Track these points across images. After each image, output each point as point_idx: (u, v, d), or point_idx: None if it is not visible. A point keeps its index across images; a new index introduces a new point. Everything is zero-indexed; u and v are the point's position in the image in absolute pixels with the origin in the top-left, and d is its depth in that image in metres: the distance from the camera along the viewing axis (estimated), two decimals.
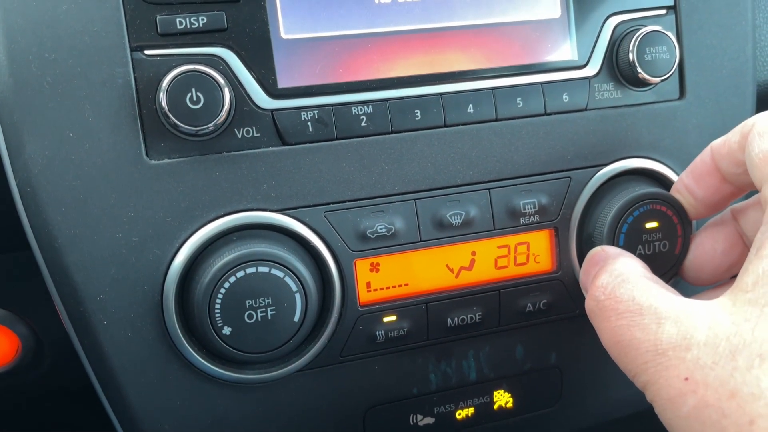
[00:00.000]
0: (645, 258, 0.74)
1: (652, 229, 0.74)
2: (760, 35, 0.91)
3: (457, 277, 0.73)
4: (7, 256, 0.84)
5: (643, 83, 0.75)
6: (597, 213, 0.75)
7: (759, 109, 0.83)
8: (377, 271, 0.70)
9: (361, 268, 0.69)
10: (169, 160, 0.64)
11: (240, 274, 0.63)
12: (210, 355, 0.67)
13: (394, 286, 0.71)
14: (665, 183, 0.78)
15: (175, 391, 0.67)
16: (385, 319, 0.71)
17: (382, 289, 0.70)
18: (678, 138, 0.78)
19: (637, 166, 0.76)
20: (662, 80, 0.74)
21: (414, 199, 0.70)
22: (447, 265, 0.72)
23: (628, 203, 0.73)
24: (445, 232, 0.71)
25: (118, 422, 0.69)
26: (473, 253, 0.73)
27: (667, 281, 0.77)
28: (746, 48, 0.80)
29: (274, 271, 0.64)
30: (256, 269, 0.63)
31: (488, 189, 0.72)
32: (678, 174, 0.78)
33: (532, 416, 0.80)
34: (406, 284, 0.71)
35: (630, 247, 0.73)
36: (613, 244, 0.73)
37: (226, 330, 0.63)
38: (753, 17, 0.81)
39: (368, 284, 0.70)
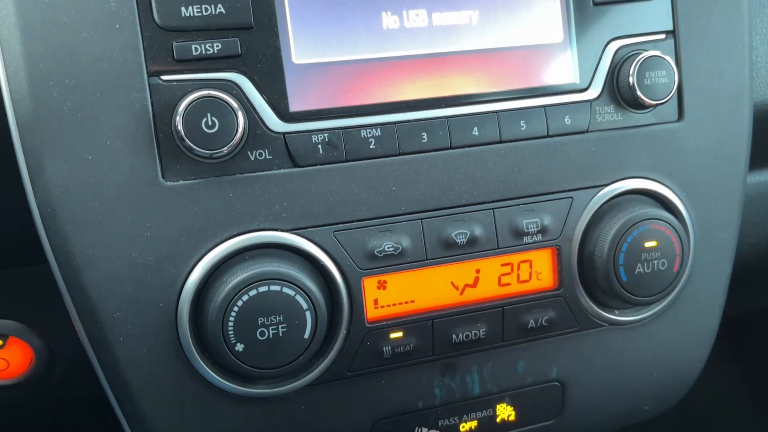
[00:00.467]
0: (644, 276, 0.76)
1: (651, 248, 0.76)
2: (757, 57, 0.93)
3: (461, 294, 0.75)
4: (21, 270, 0.86)
5: (642, 106, 0.77)
6: (598, 232, 0.77)
7: (756, 129, 0.85)
8: (384, 288, 0.72)
9: (369, 285, 0.71)
10: (185, 182, 0.66)
11: (252, 292, 0.65)
12: (222, 371, 0.69)
13: (400, 303, 0.73)
14: (665, 203, 0.80)
15: (189, 405, 0.69)
16: (392, 336, 0.73)
17: (389, 306, 0.73)
18: (677, 159, 0.80)
19: (637, 186, 0.79)
20: (661, 103, 0.76)
21: (420, 219, 0.72)
22: (452, 283, 0.74)
23: (627, 223, 0.75)
24: (451, 251, 0.73)
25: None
26: (477, 271, 0.75)
27: (665, 298, 0.80)
28: (743, 71, 0.82)
29: (286, 290, 0.66)
30: (268, 288, 0.66)
31: (492, 209, 0.74)
32: (677, 194, 0.80)
33: (533, 429, 0.82)
34: (413, 301, 0.73)
35: (629, 265, 0.76)
36: (613, 263, 0.75)
37: (239, 347, 0.65)
38: (750, 40, 0.83)
39: (375, 301, 0.72)
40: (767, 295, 1.47)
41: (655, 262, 0.77)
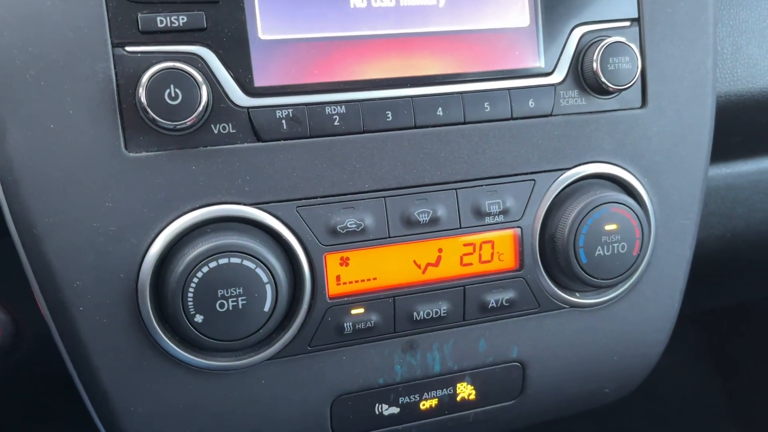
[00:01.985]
0: (604, 258, 0.78)
1: (611, 231, 0.78)
2: (722, 48, 0.94)
3: (423, 272, 0.76)
4: None
5: (606, 91, 0.78)
6: (559, 215, 0.78)
7: (720, 121, 0.87)
8: (347, 265, 0.73)
9: (331, 261, 0.72)
10: (148, 154, 0.66)
11: (213, 264, 0.66)
12: (183, 343, 0.69)
13: (362, 280, 0.74)
14: (627, 188, 0.81)
15: (148, 376, 0.70)
16: (354, 312, 0.73)
17: (351, 282, 0.73)
18: (639, 145, 0.81)
19: (600, 171, 0.80)
20: (624, 89, 0.77)
21: (383, 197, 0.73)
22: (414, 261, 0.75)
23: (588, 205, 0.77)
24: (413, 230, 0.74)
25: (91, 406, 0.72)
26: (440, 250, 0.76)
27: (624, 281, 0.81)
28: (707, 60, 0.83)
29: (246, 263, 0.67)
30: (229, 260, 0.66)
31: (455, 189, 0.75)
32: (639, 179, 0.81)
33: (494, 408, 0.83)
34: (375, 278, 0.74)
35: (590, 247, 0.77)
36: (573, 245, 0.76)
37: (198, 318, 0.66)
38: (714, 31, 0.84)
39: (338, 277, 0.73)
40: (736, 289, 1.50)
41: (615, 245, 0.78)
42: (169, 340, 0.68)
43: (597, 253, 0.77)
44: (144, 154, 0.66)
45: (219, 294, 0.66)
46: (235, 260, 0.66)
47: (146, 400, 0.70)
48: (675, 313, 0.89)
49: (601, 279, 0.78)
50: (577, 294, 0.82)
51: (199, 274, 0.65)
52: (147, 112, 0.64)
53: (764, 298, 1.60)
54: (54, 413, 1.43)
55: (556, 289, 0.80)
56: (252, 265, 0.67)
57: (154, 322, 0.68)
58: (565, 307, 0.82)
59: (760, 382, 1.76)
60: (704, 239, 1.01)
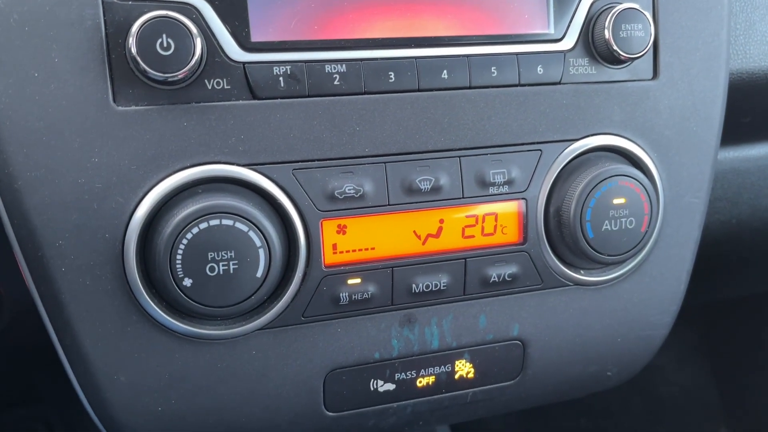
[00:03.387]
0: (612, 234, 0.75)
1: (619, 205, 0.75)
2: (736, 23, 0.92)
3: (423, 243, 0.72)
4: None
5: (617, 60, 0.75)
6: (566, 187, 0.75)
7: (728, 98, 0.84)
8: (344, 233, 0.70)
9: (328, 229, 0.69)
10: (137, 108, 0.63)
11: (203, 225, 0.62)
12: (170, 309, 0.66)
13: (360, 249, 0.70)
14: (635, 162, 0.78)
15: (133, 344, 0.66)
16: (350, 282, 0.70)
17: (348, 251, 0.70)
18: (650, 118, 0.78)
19: (608, 143, 0.77)
20: (636, 58, 0.74)
21: (384, 162, 0.70)
22: (414, 232, 0.72)
23: (596, 178, 0.74)
24: (414, 197, 0.71)
25: (73, 373, 0.68)
26: (441, 221, 0.72)
27: (631, 258, 0.78)
28: (721, 32, 0.80)
29: (239, 225, 0.63)
30: (220, 222, 0.63)
31: (459, 157, 0.72)
32: (648, 154, 0.78)
33: (492, 388, 0.80)
34: (373, 248, 0.71)
35: (597, 221, 0.74)
36: (580, 219, 0.73)
37: (187, 282, 0.63)
38: (729, 3, 0.81)
39: (334, 246, 0.69)
40: (739, 281, 1.47)
41: (623, 220, 0.75)
42: (155, 305, 0.65)
43: (604, 227, 0.74)
44: (133, 108, 0.63)
45: (209, 257, 0.63)
46: (226, 222, 0.63)
47: (130, 368, 0.67)
48: (681, 295, 0.86)
49: (608, 255, 0.75)
50: (581, 271, 0.79)
51: (189, 236, 0.62)
52: (137, 63, 0.60)
53: (763, 294, 1.59)
54: (35, 394, 1.40)
55: (560, 265, 0.77)
56: (244, 228, 0.64)
57: (140, 285, 0.64)
58: (569, 285, 0.79)
59: (753, 382, 1.75)
60: (709, 225, 0.98)
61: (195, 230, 0.62)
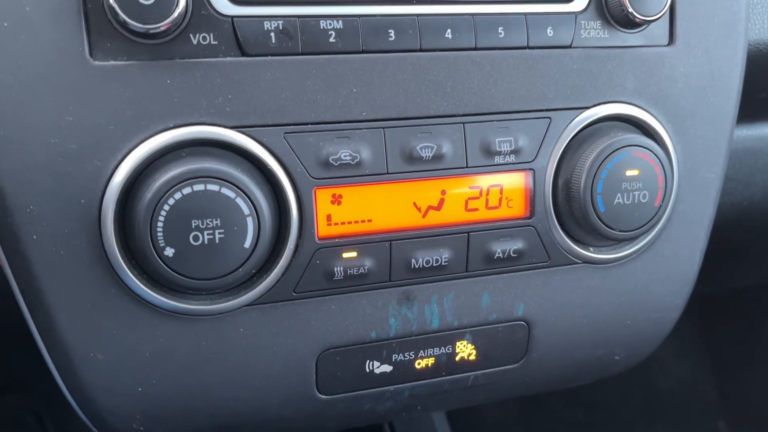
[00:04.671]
0: (624, 208, 0.70)
1: (632, 177, 0.70)
2: None
3: (424, 216, 0.68)
4: None
5: (631, 23, 0.70)
6: (576, 158, 0.70)
7: (746, 71, 0.79)
8: (339, 203, 0.65)
9: (322, 198, 0.64)
10: (115, 62, 0.58)
11: (186, 190, 0.58)
12: (151, 282, 0.61)
13: (356, 221, 0.66)
14: (650, 133, 0.73)
15: (111, 319, 0.62)
16: (345, 255, 0.66)
17: (343, 223, 0.65)
18: (665, 86, 0.73)
19: (620, 112, 0.72)
20: (652, 20, 0.70)
21: (383, 128, 0.65)
22: (414, 203, 0.67)
23: (608, 148, 0.69)
24: (414, 166, 0.66)
25: (47, 351, 0.64)
26: (443, 192, 0.68)
27: (643, 234, 0.74)
28: None
29: (225, 191, 0.59)
30: (205, 187, 0.58)
31: (463, 123, 0.67)
32: (663, 124, 0.74)
33: (495, 372, 0.76)
34: (370, 220, 0.66)
35: (608, 194, 0.69)
36: (590, 191, 0.69)
37: (169, 251, 0.58)
38: None
39: (328, 217, 0.65)
40: (748, 269, 1.43)
41: (636, 193, 0.71)
42: (135, 277, 0.60)
43: (616, 201, 0.70)
44: (111, 62, 0.58)
45: (193, 225, 0.58)
46: (212, 187, 0.58)
47: (108, 346, 0.62)
48: (694, 276, 0.81)
49: (619, 231, 0.71)
50: (591, 248, 0.74)
51: (171, 201, 0.57)
52: (116, 13, 0.55)
53: (764, 286, 1.55)
54: (21, 381, 1.35)
55: (568, 241, 0.73)
56: (231, 194, 0.59)
57: (119, 256, 0.59)
58: (577, 262, 0.74)
59: (752, 375, 1.72)
60: (720, 206, 0.94)
61: (177, 196, 0.58)
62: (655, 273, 0.78)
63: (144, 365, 0.64)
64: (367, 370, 0.71)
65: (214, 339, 0.65)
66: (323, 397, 0.70)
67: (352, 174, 0.64)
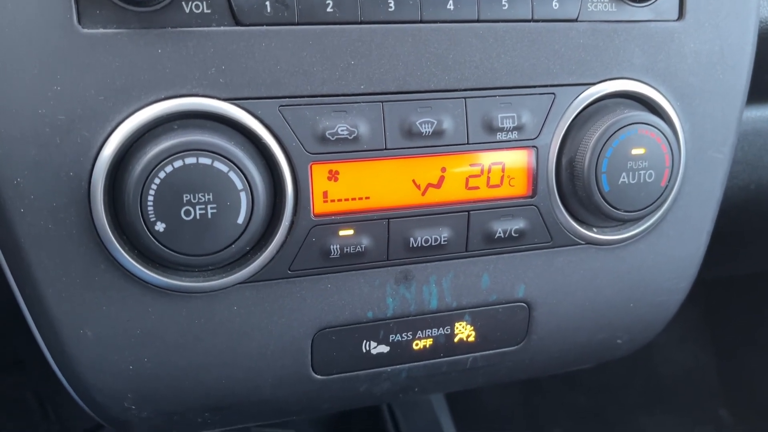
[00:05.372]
0: (629, 187, 0.68)
1: (638, 156, 0.68)
2: None
3: (423, 194, 0.66)
4: None
5: None
6: (580, 135, 0.68)
7: (760, 48, 0.77)
8: (336, 179, 0.63)
9: (318, 173, 0.62)
10: (105, 30, 0.56)
11: (178, 164, 0.56)
12: (142, 257, 0.60)
13: (353, 199, 0.64)
14: (657, 111, 0.71)
15: (101, 295, 0.60)
16: (342, 233, 0.64)
17: (340, 200, 0.64)
18: (673, 63, 0.71)
19: (627, 89, 0.70)
20: None
21: (381, 101, 0.63)
22: (413, 181, 0.65)
23: (615, 125, 0.67)
24: (414, 142, 0.64)
25: (35, 327, 0.62)
26: (443, 170, 0.66)
27: (648, 215, 0.72)
28: None
29: (218, 164, 0.57)
30: (197, 160, 0.56)
31: (464, 98, 0.65)
32: (671, 102, 0.72)
33: (494, 354, 0.75)
34: (367, 197, 0.64)
35: (613, 173, 0.67)
36: (596, 169, 0.67)
37: (160, 226, 0.56)
38: None
39: (325, 194, 0.63)
40: (754, 254, 1.41)
41: (642, 172, 0.69)
42: (126, 253, 0.59)
43: (621, 180, 0.68)
44: (101, 30, 0.56)
45: (185, 199, 0.56)
46: (204, 161, 0.57)
47: (98, 322, 0.61)
48: (699, 259, 0.80)
49: (624, 211, 0.69)
50: (594, 229, 0.73)
51: (162, 174, 0.56)
52: None
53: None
54: (19, 361, 1.34)
55: (571, 221, 0.71)
56: (224, 168, 0.57)
57: (109, 230, 0.58)
58: (580, 243, 0.72)
59: (754, 362, 1.71)
60: (726, 190, 0.91)
61: (169, 169, 0.56)
62: (660, 255, 0.76)
63: (134, 343, 0.62)
64: (364, 351, 0.70)
65: (207, 317, 0.63)
66: (319, 377, 0.69)
67: (350, 149, 0.62)
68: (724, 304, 1.77)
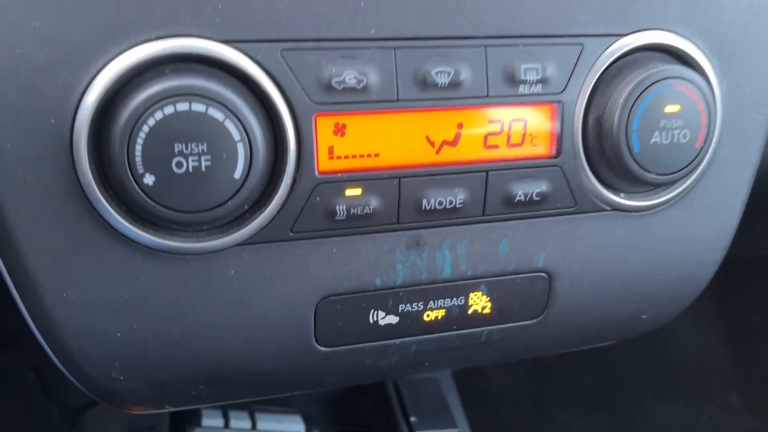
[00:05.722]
0: (661, 148, 0.63)
1: (672, 114, 0.62)
2: None
3: (438, 152, 0.61)
4: None
5: None
6: (609, 91, 0.63)
7: None
8: (342, 134, 0.58)
9: (323, 127, 0.57)
10: None
11: (169, 110, 0.51)
12: (130, 215, 0.54)
13: (361, 156, 0.59)
14: (691, 65, 0.65)
15: (85, 256, 0.55)
16: (348, 192, 0.59)
17: (347, 157, 0.58)
18: (711, 13, 0.65)
19: (660, 41, 0.64)
20: None
21: (393, 48, 0.57)
22: (427, 137, 0.60)
23: (647, 79, 0.61)
24: (428, 93, 0.58)
25: (15, 290, 0.57)
26: (459, 126, 0.60)
27: (681, 179, 0.67)
28: None
29: (212, 112, 0.52)
30: (189, 106, 0.51)
31: (484, 46, 0.60)
32: (708, 57, 0.66)
33: (511, 327, 0.70)
34: (377, 154, 0.59)
35: (645, 132, 0.62)
36: (626, 128, 0.61)
37: (149, 179, 0.51)
38: None
39: (330, 149, 0.58)
40: None
41: (676, 132, 0.63)
42: (112, 209, 0.54)
43: (653, 140, 0.62)
44: None
45: (176, 149, 0.51)
46: (197, 107, 0.51)
47: (83, 286, 0.56)
48: (733, 229, 0.74)
49: (656, 174, 0.64)
50: (622, 194, 0.67)
51: (151, 122, 0.50)
52: None
53: None
54: (13, 337, 1.30)
55: (598, 185, 0.65)
56: (220, 117, 0.52)
57: (94, 184, 0.53)
58: (606, 209, 0.67)
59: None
60: (762, 158, 0.86)
61: (158, 116, 0.50)
62: (692, 224, 0.71)
63: (122, 308, 0.57)
64: (371, 321, 0.65)
65: (202, 282, 0.58)
66: (322, 349, 0.64)
67: (358, 99, 0.57)
68: (742, 286, 1.71)
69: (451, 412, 1.31)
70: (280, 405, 1.20)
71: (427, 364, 0.71)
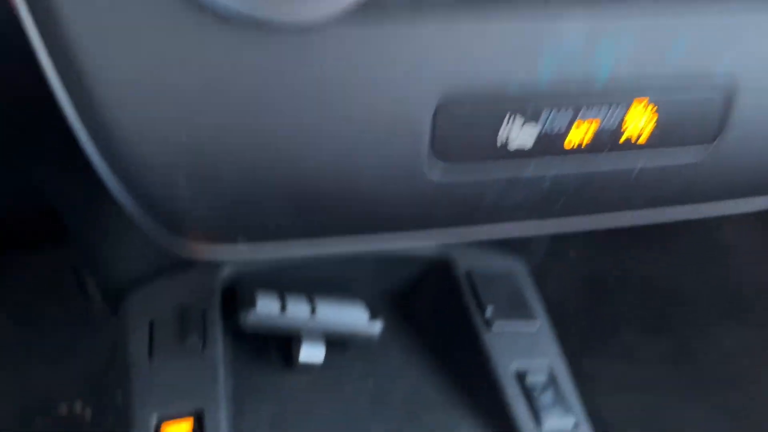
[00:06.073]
0: None
1: None
2: None
3: None
4: None
5: None
6: None
7: None
8: None
9: None
10: None
11: None
12: None
13: None
14: None
15: (146, 18, 0.41)
16: None
17: None
18: None
19: None
20: None
21: None
22: None
23: None
24: None
25: (55, 69, 0.44)
26: None
27: None
28: None
29: None
30: None
31: None
32: None
33: (674, 154, 0.54)
34: None
35: None
36: None
37: None
38: None
39: None
40: None
41: None
42: None
43: None
44: None
45: None
46: None
47: (140, 62, 0.43)
48: None
49: None
50: None
51: None
52: None
53: None
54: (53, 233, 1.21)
55: None
56: None
57: None
58: None
59: None
60: None
61: None
62: None
63: (191, 95, 0.44)
64: (499, 144, 0.51)
65: (289, 65, 0.44)
66: (439, 162, 0.50)
67: None
68: None
69: (529, 303, 1.20)
70: (345, 295, 1.10)
71: (559, 203, 0.57)
